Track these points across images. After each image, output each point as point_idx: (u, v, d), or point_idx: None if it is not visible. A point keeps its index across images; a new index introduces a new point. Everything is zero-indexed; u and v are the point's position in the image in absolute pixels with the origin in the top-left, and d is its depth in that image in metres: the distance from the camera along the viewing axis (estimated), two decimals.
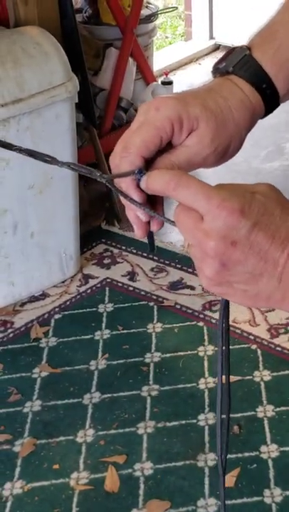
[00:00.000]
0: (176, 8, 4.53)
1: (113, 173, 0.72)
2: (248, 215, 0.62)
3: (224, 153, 0.74)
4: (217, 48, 4.29)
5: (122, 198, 0.71)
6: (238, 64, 0.76)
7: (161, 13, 3.51)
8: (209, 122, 0.72)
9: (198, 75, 4.00)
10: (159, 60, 3.92)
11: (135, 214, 0.72)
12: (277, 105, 0.78)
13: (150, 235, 0.74)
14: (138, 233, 0.73)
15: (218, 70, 0.77)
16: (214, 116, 0.72)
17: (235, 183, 0.66)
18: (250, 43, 0.78)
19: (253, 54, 0.76)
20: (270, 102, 0.77)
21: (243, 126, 0.75)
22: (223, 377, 0.79)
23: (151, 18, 3.15)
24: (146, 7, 3.17)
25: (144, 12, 3.10)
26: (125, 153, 0.70)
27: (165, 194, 0.66)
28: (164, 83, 3.34)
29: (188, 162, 0.72)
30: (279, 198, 0.64)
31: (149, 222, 0.72)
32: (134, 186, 0.69)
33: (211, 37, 4.30)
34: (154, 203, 0.72)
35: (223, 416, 0.80)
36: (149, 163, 0.71)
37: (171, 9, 4.14)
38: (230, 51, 0.78)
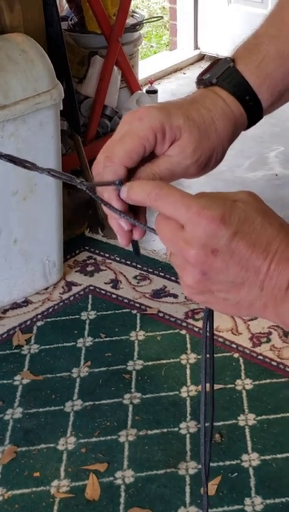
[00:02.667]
0: (162, 17, 4.56)
1: (94, 181, 0.72)
2: (229, 224, 0.62)
3: (206, 164, 0.75)
4: (202, 57, 4.31)
5: (103, 207, 0.71)
6: (222, 75, 0.76)
7: (146, 23, 3.53)
8: (192, 133, 0.72)
9: (183, 85, 4.02)
10: (144, 68, 3.94)
11: (118, 223, 0.72)
12: (260, 117, 0.79)
13: (134, 242, 0.75)
14: (121, 242, 0.73)
15: (201, 82, 0.78)
16: (197, 127, 0.73)
17: (217, 191, 0.66)
18: (234, 54, 0.78)
19: (236, 66, 0.77)
20: (254, 113, 0.78)
21: (226, 138, 0.76)
22: (207, 385, 0.79)
23: (136, 27, 3.17)
24: (132, 16, 3.19)
25: (130, 21, 3.11)
26: (108, 163, 0.70)
27: (146, 205, 0.67)
28: (148, 92, 3.35)
29: (170, 172, 0.73)
30: (260, 205, 0.65)
31: (132, 231, 0.72)
32: (116, 196, 0.70)
33: (196, 47, 4.32)
34: (136, 211, 0.72)
35: (207, 424, 0.80)
36: (131, 173, 0.71)
37: (156, 19, 4.17)
38: (214, 63, 0.78)
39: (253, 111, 0.77)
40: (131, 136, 0.71)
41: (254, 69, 0.77)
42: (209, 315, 0.73)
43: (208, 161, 0.75)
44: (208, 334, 0.74)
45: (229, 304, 0.65)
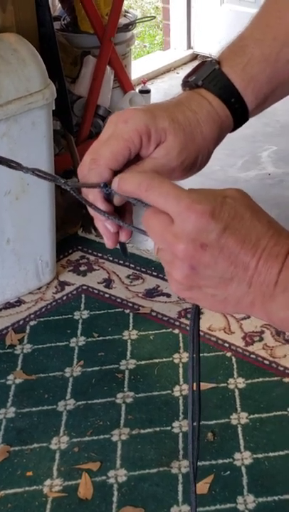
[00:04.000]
0: (155, 17, 4.56)
1: (78, 183, 0.73)
2: (219, 218, 0.62)
3: (191, 166, 0.75)
4: (195, 57, 4.32)
5: (89, 208, 0.71)
6: (207, 78, 0.76)
7: (139, 22, 3.53)
8: (177, 135, 0.73)
9: (176, 84, 4.02)
10: (137, 68, 3.94)
11: (104, 225, 0.72)
12: (246, 119, 0.79)
13: (121, 244, 0.75)
14: (108, 243, 0.74)
15: (187, 84, 0.78)
16: (182, 129, 0.73)
17: (207, 188, 0.67)
18: (219, 56, 0.79)
19: (222, 68, 0.77)
20: (239, 116, 0.78)
21: (211, 140, 0.76)
22: (195, 384, 0.79)
23: (129, 26, 3.17)
24: (125, 16, 3.19)
25: (123, 21, 3.11)
26: (94, 165, 0.71)
27: (137, 195, 0.67)
28: (141, 92, 3.35)
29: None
30: (249, 202, 0.65)
31: (118, 232, 0.73)
32: (101, 198, 0.70)
33: (189, 46, 4.33)
34: (122, 213, 0.73)
35: (194, 423, 0.80)
36: (116, 175, 0.71)
37: (149, 18, 4.17)
38: (200, 65, 0.78)
39: (239, 113, 0.78)
40: (116, 138, 0.71)
41: (239, 71, 0.77)
42: (196, 312, 0.73)
43: (193, 164, 0.75)
44: (194, 331, 0.75)
45: (217, 300, 0.65)
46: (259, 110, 0.80)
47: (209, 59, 0.78)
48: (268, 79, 0.78)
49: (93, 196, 0.71)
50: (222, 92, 0.76)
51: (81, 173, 0.73)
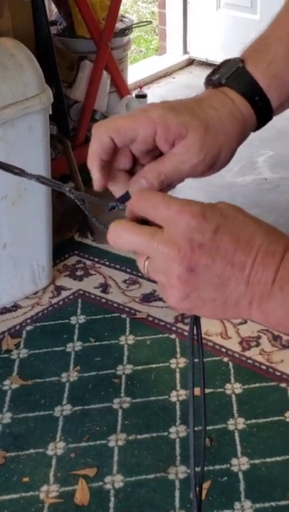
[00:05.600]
0: (151, 22, 4.57)
1: (82, 193, 0.73)
2: (210, 218, 0.62)
3: (213, 163, 0.74)
4: (191, 62, 4.32)
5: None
6: (231, 76, 0.76)
7: (135, 27, 3.53)
8: (198, 131, 0.72)
9: (172, 89, 4.03)
10: (134, 73, 3.94)
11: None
12: (270, 118, 0.79)
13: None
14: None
15: (210, 82, 0.78)
16: (203, 126, 0.72)
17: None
18: (243, 55, 0.78)
19: (246, 67, 0.77)
20: (263, 114, 0.77)
21: (234, 137, 0.75)
22: (196, 389, 0.79)
23: (125, 31, 3.17)
24: (121, 21, 3.19)
25: (119, 26, 3.12)
26: (95, 129, 0.72)
27: (129, 209, 0.67)
28: (138, 96, 3.35)
29: (176, 170, 0.72)
30: (239, 208, 0.65)
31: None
32: (97, 167, 0.71)
33: (185, 51, 4.33)
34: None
35: (196, 428, 0.79)
36: (136, 172, 0.72)
37: (145, 23, 4.17)
38: (223, 63, 0.78)
39: (263, 111, 0.77)
40: (129, 116, 0.71)
41: (263, 70, 0.76)
42: (196, 322, 0.72)
43: (215, 160, 0.74)
44: (195, 337, 0.74)
45: (217, 305, 0.64)
46: (283, 109, 0.79)
47: (233, 57, 0.78)
48: None
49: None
50: (246, 90, 0.76)
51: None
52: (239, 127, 0.76)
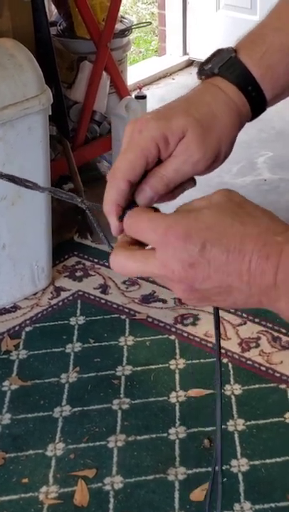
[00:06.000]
0: (150, 23, 4.56)
1: (94, 203, 0.73)
2: (195, 235, 0.62)
3: (215, 156, 0.74)
4: (190, 63, 4.32)
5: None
6: (224, 66, 0.76)
7: (135, 28, 3.53)
8: (195, 129, 0.72)
9: (172, 90, 4.03)
10: (133, 74, 3.94)
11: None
12: (263, 109, 0.78)
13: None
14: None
15: (203, 72, 0.77)
16: (199, 123, 0.72)
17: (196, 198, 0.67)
18: (237, 45, 0.78)
19: (239, 56, 0.76)
20: (257, 104, 0.77)
21: (231, 128, 0.75)
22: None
23: (125, 32, 3.17)
24: (121, 22, 3.19)
25: (119, 26, 3.12)
26: (111, 179, 0.71)
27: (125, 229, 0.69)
28: (137, 97, 3.35)
29: (178, 171, 0.72)
30: (231, 205, 0.65)
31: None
32: (114, 214, 0.71)
33: (185, 52, 4.33)
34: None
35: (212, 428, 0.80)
36: (140, 180, 0.71)
37: (145, 24, 4.17)
38: (216, 53, 0.77)
39: (257, 102, 0.76)
40: (132, 148, 0.71)
41: (257, 60, 0.76)
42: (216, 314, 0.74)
43: (216, 154, 0.74)
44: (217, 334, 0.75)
45: (228, 303, 0.65)
46: (276, 100, 0.79)
47: (226, 47, 0.77)
48: (285, 70, 0.77)
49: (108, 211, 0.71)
50: (239, 79, 0.75)
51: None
52: (235, 117, 0.75)
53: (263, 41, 0.76)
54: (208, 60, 0.77)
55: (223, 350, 2.24)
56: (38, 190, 0.69)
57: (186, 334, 2.32)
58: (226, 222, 0.63)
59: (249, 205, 0.65)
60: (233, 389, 2.11)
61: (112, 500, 1.81)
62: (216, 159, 0.74)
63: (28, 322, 2.40)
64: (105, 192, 0.71)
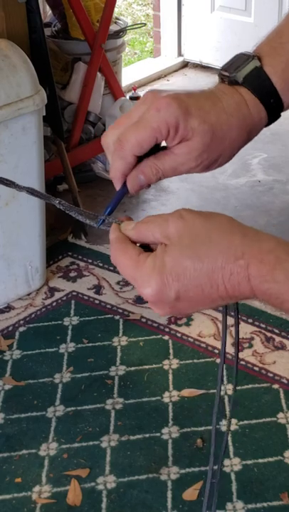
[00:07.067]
0: (145, 24, 4.57)
1: (72, 206, 0.75)
2: (168, 291, 0.66)
3: (210, 165, 0.76)
4: (185, 64, 4.33)
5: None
6: (249, 76, 0.76)
7: (129, 29, 3.54)
8: (204, 138, 0.73)
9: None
10: (128, 75, 3.95)
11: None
12: (278, 117, 0.80)
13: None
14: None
15: (226, 78, 0.77)
16: (211, 132, 0.73)
17: (156, 215, 0.70)
18: (258, 51, 0.77)
19: (263, 67, 0.76)
20: (274, 113, 0.78)
21: (237, 145, 0.77)
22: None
23: (119, 33, 3.18)
24: (115, 23, 3.20)
25: (113, 28, 3.12)
26: (119, 148, 0.72)
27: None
28: (132, 98, 3.36)
29: (173, 169, 0.74)
30: (191, 232, 0.67)
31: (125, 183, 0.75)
32: (120, 182, 0.74)
33: (180, 54, 4.34)
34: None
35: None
36: (140, 160, 0.74)
37: (139, 25, 4.18)
38: (239, 58, 0.77)
39: (275, 113, 0.78)
40: (145, 125, 0.72)
41: (280, 72, 0.76)
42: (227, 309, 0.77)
43: (212, 163, 0.76)
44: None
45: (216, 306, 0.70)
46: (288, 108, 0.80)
47: (248, 53, 0.77)
48: None
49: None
50: (263, 93, 0.76)
51: (104, 142, 0.75)
52: (245, 135, 0.77)
53: (284, 50, 0.77)
54: (231, 67, 0.77)
55: (216, 351, 2.25)
56: (15, 188, 0.70)
57: (179, 335, 2.32)
58: (187, 264, 0.66)
59: (203, 229, 0.67)
60: (226, 389, 2.11)
61: (105, 499, 1.82)
62: (210, 167, 0.76)
63: (22, 322, 2.41)
64: (112, 160, 0.73)
